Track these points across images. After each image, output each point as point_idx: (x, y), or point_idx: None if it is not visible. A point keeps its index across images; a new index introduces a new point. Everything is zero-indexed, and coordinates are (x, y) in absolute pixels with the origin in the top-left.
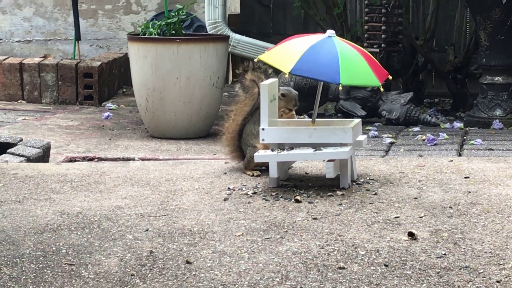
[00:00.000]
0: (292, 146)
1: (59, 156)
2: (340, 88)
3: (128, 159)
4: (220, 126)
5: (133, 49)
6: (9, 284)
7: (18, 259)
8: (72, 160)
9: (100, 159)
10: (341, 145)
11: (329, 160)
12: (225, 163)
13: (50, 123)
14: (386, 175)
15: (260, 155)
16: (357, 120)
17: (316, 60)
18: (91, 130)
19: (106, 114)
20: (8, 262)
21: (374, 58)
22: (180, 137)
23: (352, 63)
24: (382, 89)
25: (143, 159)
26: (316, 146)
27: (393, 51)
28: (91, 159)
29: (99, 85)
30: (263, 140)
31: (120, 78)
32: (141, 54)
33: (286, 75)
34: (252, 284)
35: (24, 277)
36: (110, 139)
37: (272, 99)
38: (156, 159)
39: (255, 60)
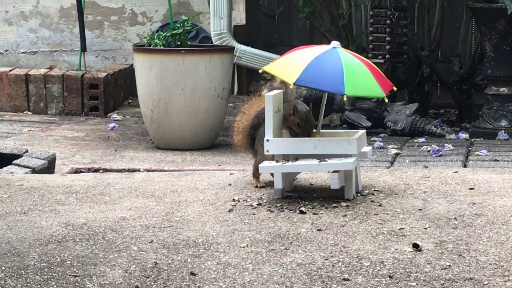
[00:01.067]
0: (297, 157)
1: (65, 167)
2: (345, 99)
3: (133, 170)
4: (227, 136)
5: (139, 60)
6: None
7: (23, 271)
8: (77, 171)
9: (106, 170)
10: (346, 156)
11: (334, 171)
12: (230, 174)
13: (56, 134)
14: (391, 186)
15: (265, 166)
16: (362, 131)
17: (321, 71)
18: (97, 141)
19: (112, 125)
20: (13, 274)
21: (378, 69)
22: (185, 148)
23: (357, 74)
24: (386, 100)
25: (148, 170)
26: (321, 157)
27: (398, 62)
28: (96, 170)
29: (105, 96)
30: (267, 151)
31: (125, 89)
32: (147, 65)
33: (291, 86)
34: None
35: None
36: (115, 150)
37: (277, 110)
38: (161, 170)
39: (260, 71)
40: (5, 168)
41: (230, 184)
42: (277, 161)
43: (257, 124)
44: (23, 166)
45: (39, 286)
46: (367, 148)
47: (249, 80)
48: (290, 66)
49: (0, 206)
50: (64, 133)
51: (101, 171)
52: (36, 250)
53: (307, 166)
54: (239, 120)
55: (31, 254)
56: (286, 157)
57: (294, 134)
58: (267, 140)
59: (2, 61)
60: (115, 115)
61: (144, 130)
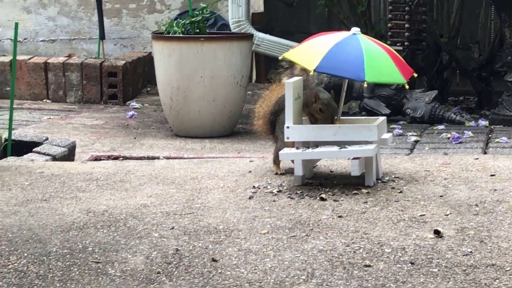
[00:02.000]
0: (317, 144)
1: (84, 155)
2: (365, 85)
3: (153, 158)
4: (246, 124)
5: (158, 48)
6: (36, 282)
7: (45, 257)
8: (97, 159)
9: (125, 158)
10: (366, 143)
11: (354, 158)
12: (250, 161)
13: (75, 122)
14: (412, 173)
15: (286, 153)
16: (382, 118)
17: (341, 58)
18: (116, 129)
19: (131, 113)
20: (35, 260)
21: (399, 56)
22: (204, 135)
23: (377, 61)
24: (407, 87)
25: (167, 158)
26: (341, 144)
27: (417, 49)
28: (116, 158)
29: (124, 84)
30: (288, 138)
31: (144, 77)
32: (166, 53)
33: (311, 73)
34: (278, 282)
35: (51, 275)
36: (134, 138)
37: (297, 97)
38: (180, 158)
39: (280, 58)
40: (25, 156)
41: (250, 171)
42: (297, 148)
43: (278, 111)
44: (44, 154)
45: (61, 272)
46: (387, 135)
47: (267, 68)
48: (310, 53)
49: (21, 193)
50: (83, 121)
51: (121, 158)
52: (58, 236)
53: (327, 153)
54: (260, 105)
55: (53, 240)
56: (306, 144)
57: (314, 120)
58: (287, 127)
59: (21, 50)
60: (134, 103)
61: (163, 118)
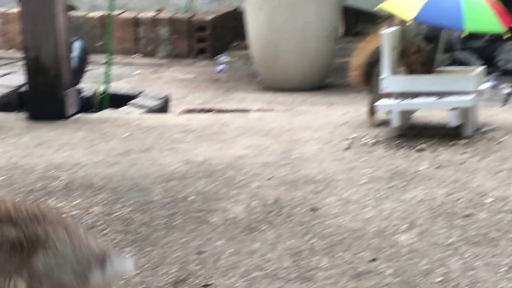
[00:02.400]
0: (414, 95)
1: (178, 108)
2: (464, 34)
3: (245, 111)
4: (336, 78)
5: (249, 1)
6: (141, 229)
7: (148, 206)
8: (190, 111)
9: (218, 111)
10: (464, 93)
11: (451, 109)
12: (343, 114)
13: (166, 76)
14: (509, 124)
15: (382, 104)
16: (480, 68)
17: (440, 7)
18: (206, 83)
19: (220, 67)
20: (139, 208)
21: (499, 4)
22: (294, 89)
23: (476, 10)
24: (509, 34)
25: (259, 110)
26: (439, 95)
27: (509, 0)
28: (209, 111)
29: (212, 39)
30: (385, 88)
31: (232, 31)
32: (257, 6)
33: (408, 23)
34: (380, 231)
35: (155, 223)
36: (225, 91)
37: (394, 48)
38: (272, 110)
39: (376, 8)
40: (122, 108)
41: (344, 123)
42: (394, 99)
43: (374, 62)
44: (139, 106)
45: (166, 219)
46: (485, 85)
47: (356, 22)
48: (408, 3)
49: (121, 144)
50: (174, 75)
51: (214, 111)
52: (159, 186)
53: (425, 104)
54: (356, 56)
55: (155, 190)
56: (403, 95)
57: (411, 71)
58: (384, 77)
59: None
60: (222, 58)
61: (252, 72)
